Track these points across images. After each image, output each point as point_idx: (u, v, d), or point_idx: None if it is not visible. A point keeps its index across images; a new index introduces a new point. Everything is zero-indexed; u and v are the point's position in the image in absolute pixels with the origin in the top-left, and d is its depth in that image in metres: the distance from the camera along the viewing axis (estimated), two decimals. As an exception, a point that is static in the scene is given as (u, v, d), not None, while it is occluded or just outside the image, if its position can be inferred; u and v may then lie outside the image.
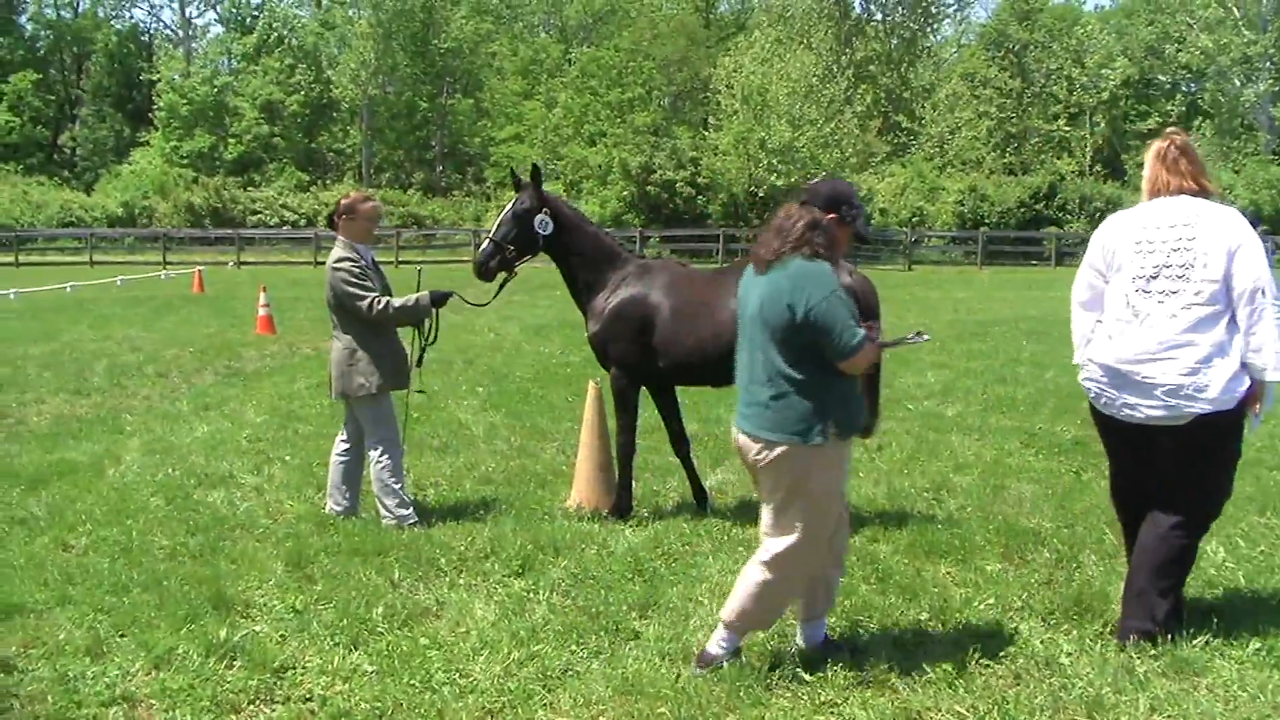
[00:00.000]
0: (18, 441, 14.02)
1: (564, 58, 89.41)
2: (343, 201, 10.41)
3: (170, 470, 12.32)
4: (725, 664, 6.84)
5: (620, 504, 10.47)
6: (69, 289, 40.62)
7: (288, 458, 12.94)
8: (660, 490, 11.39)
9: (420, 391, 12.20)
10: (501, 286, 10.70)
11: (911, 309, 32.71)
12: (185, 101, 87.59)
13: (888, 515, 10.41)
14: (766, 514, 6.84)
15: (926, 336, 7.21)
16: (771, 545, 6.79)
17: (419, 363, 10.70)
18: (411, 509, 10.23)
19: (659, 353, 10.17)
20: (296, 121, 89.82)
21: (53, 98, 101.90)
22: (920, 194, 70.82)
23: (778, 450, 6.58)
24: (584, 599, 8.16)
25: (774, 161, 65.21)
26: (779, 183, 65.01)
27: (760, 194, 66.54)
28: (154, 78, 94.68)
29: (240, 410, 16.01)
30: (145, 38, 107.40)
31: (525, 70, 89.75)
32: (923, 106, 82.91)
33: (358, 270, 10.08)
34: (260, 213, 77.03)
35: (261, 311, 26.60)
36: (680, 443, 10.82)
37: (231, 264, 61.31)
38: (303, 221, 74.39)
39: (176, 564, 9.09)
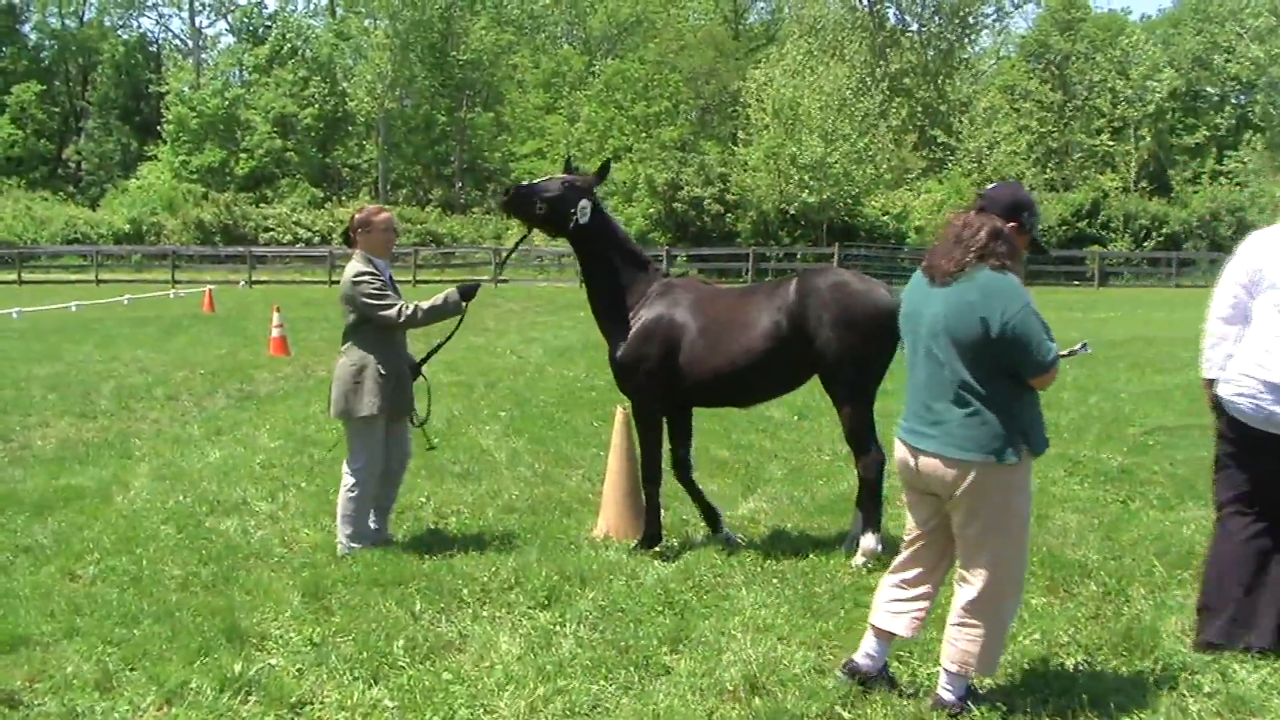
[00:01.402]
0: (22, 466, 14.08)
1: (588, 70, 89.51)
2: (357, 215, 10.53)
3: (181, 497, 12.34)
4: (970, 707, 6.79)
5: (649, 533, 10.44)
6: (74, 308, 40.76)
7: (303, 484, 12.96)
8: (691, 519, 11.33)
9: (432, 447, 12.22)
10: (512, 250, 11.01)
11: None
12: (195, 114, 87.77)
13: (927, 546, 10.38)
14: (962, 550, 6.78)
15: (1090, 348, 7.29)
16: (976, 584, 6.71)
17: (422, 422, 10.84)
18: (363, 545, 10.25)
19: (685, 374, 10.13)
20: (310, 136, 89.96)
21: (57, 110, 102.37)
22: (958, 211, 70.62)
23: (974, 472, 6.52)
24: (612, 632, 8.15)
25: (805, 178, 65.08)
26: (810, 200, 64.95)
27: (791, 211, 66.47)
28: (162, 89, 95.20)
29: (253, 435, 16.04)
30: (153, 48, 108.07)
31: (547, 83, 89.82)
32: (960, 120, 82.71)
33: (378, 282, 10.17)
34: (273, 230, 77.02)
35: (275, 332, 26.69)
36: (684, 468, 10.74)
37: (243, 283, 61.40)
38: (317, 239, 74.33)
39: (188, 594, 9.11)
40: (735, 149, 72.67)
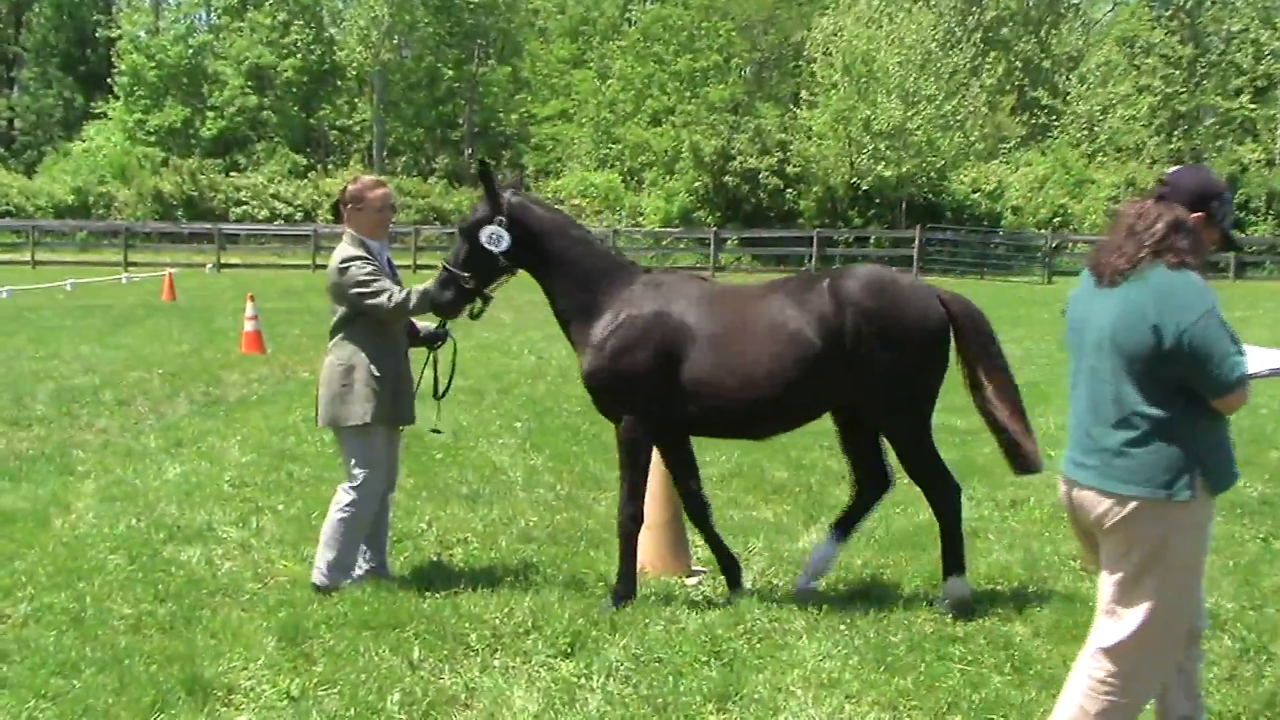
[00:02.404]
0: (-60, 484, 14.11)
1: (622, 16, 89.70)
2: (349, 188, 10.42)
3: (134, 521, 12.33)
4: None
5: (623, 591, 10.03)
6: (5, 294, 40.94)
7: (280, 506, 12.97)
8: (742, 553, 11.29)
9: (437, 430, 11.96)
10: (478, 314, 10.41)
11: (1052, 332, 32.49)
12: (153, 64, 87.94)
13: (1025, 589, 10.35)
14: (1109, 589, 6.60)
15: None
16: (1114, 630, 6.53)
17: (442, 394, 10.78)
18: (353, 578, 10.21)
19: (690, 395, 9.74)
20: (292, 92, 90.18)
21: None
22: (1064, 188, 70.54)
23: (1131, 506, 6.36)
24: (648, 686, 8.14)
25: (881, 147, 65.02)
26: (887, 173, 64.81)
27: (864, 187, 66.32)
28: (113, 34, 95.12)
29: (222, 447, 16.04)
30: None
31: (574, 31, 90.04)
32: (1068, 79, 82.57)
33: (370, 268, 10.04)
34: (246, 204, 76.91)
35: (247, 325, 26.76)
36: (698, 503, 10.41)
37: (210, 266, 61.62)
38: (299, 215, 74.40)
39: (141, 638, 9.11)
40: (797, 112, 72.61)
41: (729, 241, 62.98)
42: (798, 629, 9.29)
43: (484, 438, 16.70)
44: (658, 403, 9.77)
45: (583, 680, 8.24)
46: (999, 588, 10.33)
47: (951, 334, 9.66)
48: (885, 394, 9.61)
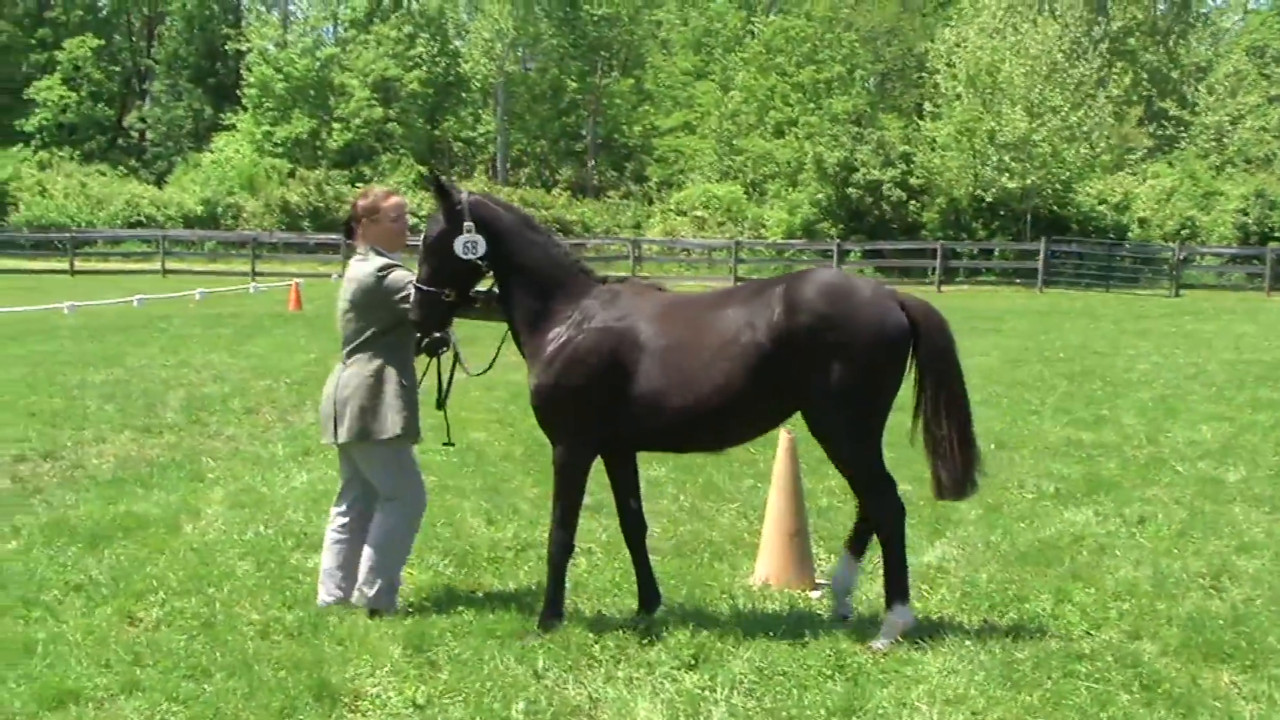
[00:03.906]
0: (74, 489, 14.24)
1: (745, 29, 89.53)
2: (360, 203, 10.28)
3: (262, 528, 12.45)
4: None
5: (552, 614, 9.71)
6: (136, 303, 41.34)
7: (405, 515, 12.96)
8: (868, 568, 11.23)
9: (448, 443, 11.54)
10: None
11: (1179, 345, 32.20)
12: (280, 77, 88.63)
13: (1153, 607, 10.21)
14: None
15: None
16: None
17: (440, 403, 10.43)
18: (397, 596, 10.04)
19: (642, 411, 9.46)
20: (417, 104, 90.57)
21: (117, 69, 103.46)
22: (1192, 200, 69.79)
23: None
24: (772, 700, 8.12)
25: (1006, 158, 64.61)
26: (1011, 185, 64.41)
27: (988, 199, 65.91)
28: (242, 47, 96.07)
29: (347, 456, 16.06)
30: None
31: (697, 44, 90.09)
32: (1196, 89, 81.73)
33: (410, 275, 9.84)
34: (371, 214, 77.27)
35: (372, 335, 26.62)
36: (637, 524, 10.15)
37: (336, 275, 61.73)
38: (423, 226, 74.42)
39: (269, 644, 9.18)
40: (921, 123, 72.30)
41: (852, 254, 62.79)
42: (922, 644, 9.19)
43: (607, 448, 16.66)
44: (610, 418, 9.50)
45: (706, 692, 8.22)
46: (1126, 604, 10.20)
47: (912, 341, 9.31)
48: (836, 403, 9.19)
